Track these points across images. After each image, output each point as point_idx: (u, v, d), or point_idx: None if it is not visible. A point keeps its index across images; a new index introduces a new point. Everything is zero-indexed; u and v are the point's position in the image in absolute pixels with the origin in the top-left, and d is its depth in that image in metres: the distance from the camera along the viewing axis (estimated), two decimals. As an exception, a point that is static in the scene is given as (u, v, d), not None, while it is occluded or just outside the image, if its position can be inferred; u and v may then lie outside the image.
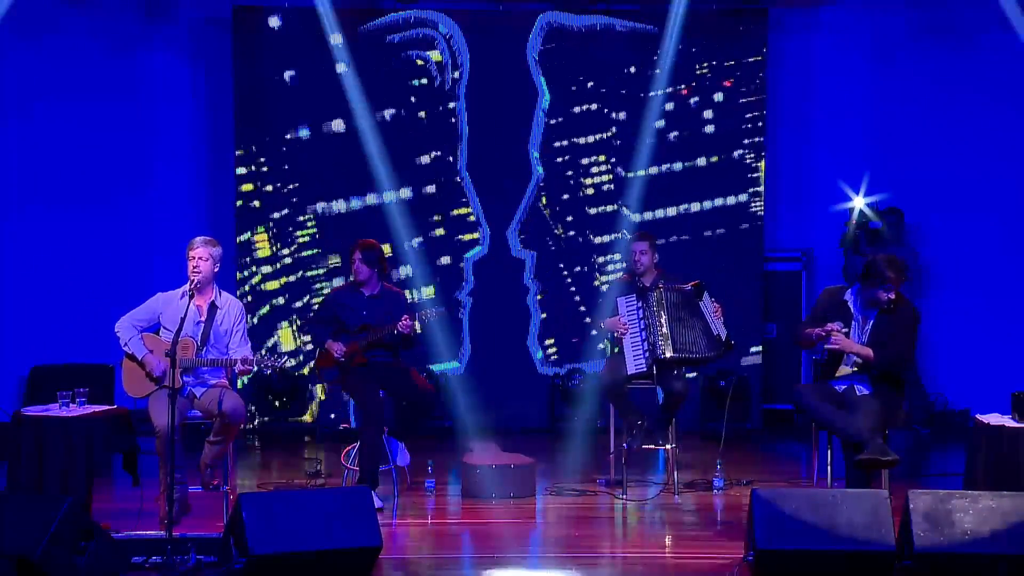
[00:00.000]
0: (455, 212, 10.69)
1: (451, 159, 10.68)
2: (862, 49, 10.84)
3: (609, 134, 10.66)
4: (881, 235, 10.25)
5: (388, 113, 10.56)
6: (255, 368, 7.11)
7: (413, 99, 10.64)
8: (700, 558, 6.58)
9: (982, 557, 5.82)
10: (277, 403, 10.35)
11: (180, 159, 10.88)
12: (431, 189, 10.65)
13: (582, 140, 10.66)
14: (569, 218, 10.68)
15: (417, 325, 7.82)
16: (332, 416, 10.50)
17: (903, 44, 10.71)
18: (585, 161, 10.67)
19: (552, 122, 10.65)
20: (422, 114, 10.64)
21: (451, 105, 10.66)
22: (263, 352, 9.63)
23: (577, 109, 10.65)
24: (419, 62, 10.64)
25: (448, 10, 10.67)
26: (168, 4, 10.78)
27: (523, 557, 6.76)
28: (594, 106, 10.64)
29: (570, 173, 10.68)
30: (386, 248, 9.82)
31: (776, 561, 5.89)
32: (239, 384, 7.18)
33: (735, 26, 10.59)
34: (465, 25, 10.66)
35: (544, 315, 10.70)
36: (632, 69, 10.61)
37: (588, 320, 10.59)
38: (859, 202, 10.38)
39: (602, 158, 10.67)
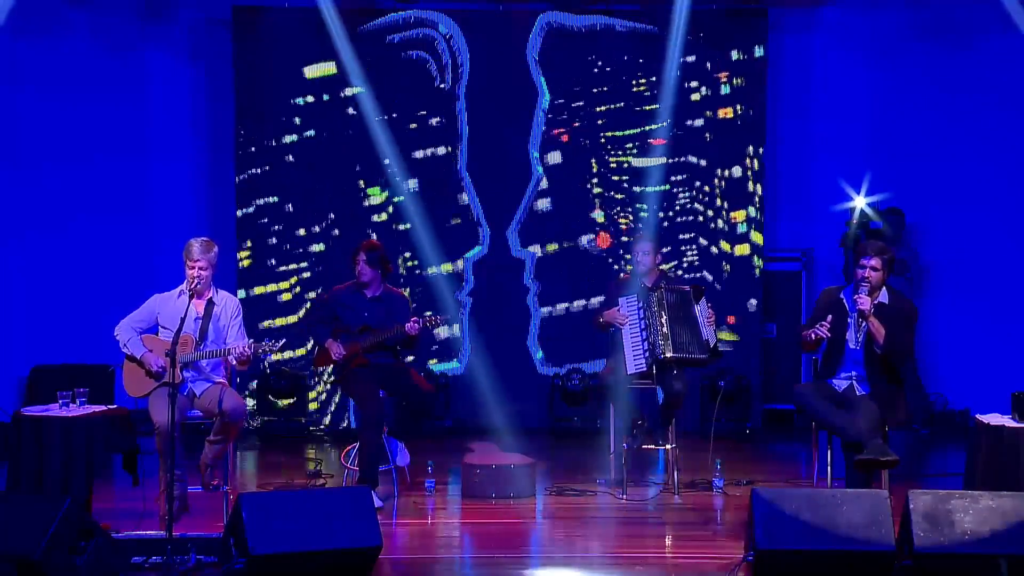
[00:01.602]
0: (454, 211, 10.68)
1: (451, 159, 10.68)
2: (862, 49, 10.84)
3: (610, 133, 10.65)
4: (882, 235, 10.24)
5: (388, 113, 10.55)
6: (251, 353, 7.09)
7: (413, 99, 10.63)
8: (700, 558, 6.58)
9: (982, 557, 5.82)
10: (277, 403, 10.34)
11: (180, 159, 10.89)
12: (431, 189, 10.63)
13: (582, 138, 10.68)
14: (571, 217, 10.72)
15: (428, 323, 7.82)
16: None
17: (903, 44, 10.71)
18: (585, 159, 10.69)
19: (551, 119, 10.67)
20: (422, 114, 10.64)
21: (451, 105, 10.66)
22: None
23: (577, 108, 10.66)
24: (419, 62, 10.64)
25: (448, 10, 10.67)
26: (168, 4, 10.78)
27: (524, 557, 6.77)
28: (594, 106, 10.65)
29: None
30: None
31: (776, 561, 5.88)
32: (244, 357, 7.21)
33: (735, 26, 10.59)
34: (465, 25, 10.66)
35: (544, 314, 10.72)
36: (632, 69, 10.61)
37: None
38: (860, 202, 10.38)
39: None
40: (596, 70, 10.62)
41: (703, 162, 10.67)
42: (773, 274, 10.76)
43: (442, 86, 10.66)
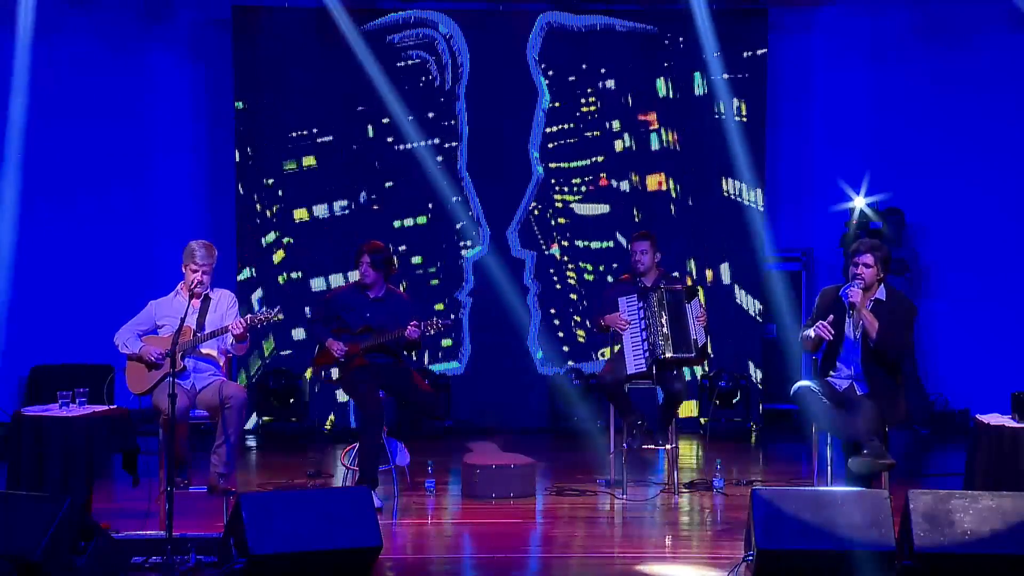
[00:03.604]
0: (454, 212, 10.68)
1: (451, 159, 10.68)
2: (862, 49, 10.84)
3: (610, 134, 10.65)
4: (881, 235, 10.24)
5: (388, 113, 10.53)
6: (247, 325, 7.11)
7: (413, 99, 10.62)
8: (700, 558, 6.58)
9: (982, 557, 5.81)
10: (277, 403, 10.33)
11: (180, 159, 10.89)
12: (431, 189, 10.62)
13: (582, 143, 10.68)
14: (568, 220, 10.71)
15: (428, 329, 7.80)
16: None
17: (903, 44, 10.71)
18: (586, 160, 10.68)
19: (552, 123, 10.67)
20: (425, 114, 10.64)
21: (451, 105, 10.66)
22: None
23: (578, 109, 10.66)
24: (419, 62, 10.65)
25: (448, 10, 10.67)
26: (168, 4, 10.78)
27: (524, 557, 6.77)
28: (594, 106, 10.65)
29: (569, 171, 10.69)
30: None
31: (776, 561, 5.88)
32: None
33: (735, 26, 10.58)
34: (465, 25, 10.66)
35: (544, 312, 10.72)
36: (632, 69, 10.61)
37: (576, 320, 10.61)
38: (859, 202, 10.38)
39: (602, 158, 10.67)
40: (596, 70, 10.62)
41: (702, 160, 10.69)
42: (773, 274, 10.75)
43: (442, 85, 10.67)
